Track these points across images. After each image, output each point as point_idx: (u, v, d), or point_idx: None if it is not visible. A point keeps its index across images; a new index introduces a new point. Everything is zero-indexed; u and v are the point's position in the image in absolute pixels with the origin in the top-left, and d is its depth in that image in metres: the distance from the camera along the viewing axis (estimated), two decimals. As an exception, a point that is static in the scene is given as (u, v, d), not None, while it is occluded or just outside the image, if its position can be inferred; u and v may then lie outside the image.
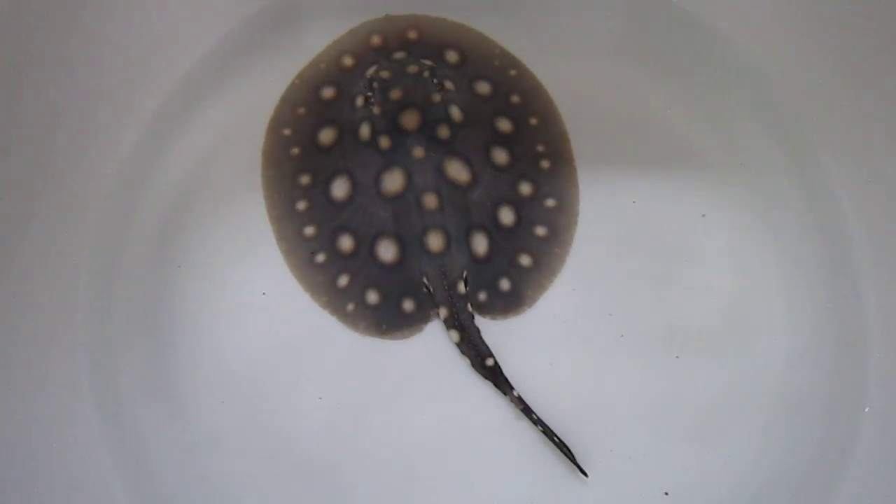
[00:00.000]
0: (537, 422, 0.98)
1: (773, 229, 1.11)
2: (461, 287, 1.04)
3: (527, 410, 0.99)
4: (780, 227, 1.11)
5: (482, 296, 1.05)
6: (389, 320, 1.05)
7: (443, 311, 1.03)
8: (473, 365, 1.02)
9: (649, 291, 1.08)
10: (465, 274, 1.05)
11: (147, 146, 1.15)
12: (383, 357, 1.05)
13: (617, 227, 1.11)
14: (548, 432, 0.98)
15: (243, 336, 1.06)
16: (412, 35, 1.18)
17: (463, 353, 1.03)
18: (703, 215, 1.12)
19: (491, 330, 1.04)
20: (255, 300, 1.08)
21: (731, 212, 1.12)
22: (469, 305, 1.04)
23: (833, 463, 1.00)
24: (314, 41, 1.19)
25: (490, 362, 1.01)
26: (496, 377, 1.01)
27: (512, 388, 1.00)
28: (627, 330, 1.06)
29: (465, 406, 1.03)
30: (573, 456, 0.97)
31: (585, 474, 0.97)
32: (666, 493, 0.99)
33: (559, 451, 0.97)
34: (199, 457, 1.01)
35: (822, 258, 1.09)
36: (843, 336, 1.06)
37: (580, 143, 1.14)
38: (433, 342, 1.05)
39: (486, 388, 1.03)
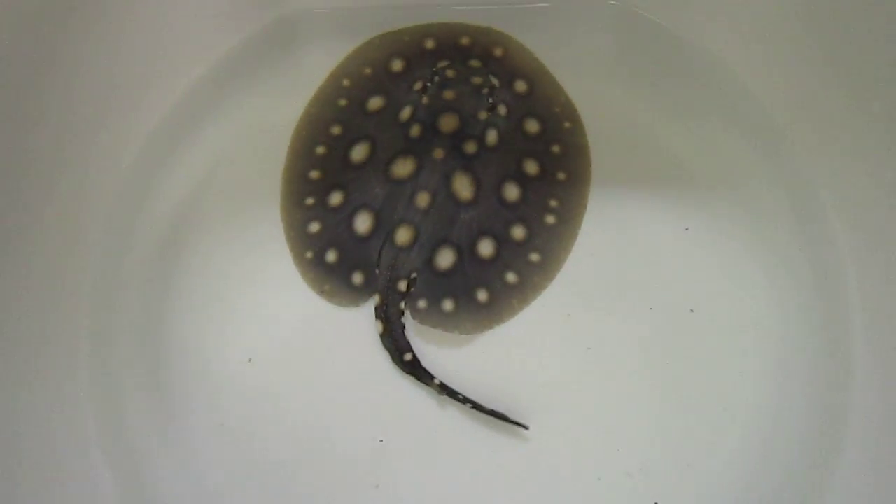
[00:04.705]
0: (464, 400, 1.01)
1: (759, 241, 1.12)
2: (402, 285, 1.07)
3: (452, 393, 1.02)
4: (766, 239, 1.13)
5: (421, 303, 1.07)
6: (334, 284, 1.10)
7: (376, 299, 1.07)
8: (393, 359, 1.06)
9: (636, 309, 1.10)
10: (412, 275, 1.08)
11: (148, 162, 1.17)
12: (387, 369, 1.07)
13: (607, 247, 1.13)
14: (477, 406, 1.01)
15: (242, 349, 1.09)
16: (498, 52, 1.21)
17: (384, 346, 1.06)
18: (686, 229, 1.13)
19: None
20: (255, 315, 1.10)
21: (716, 225, 1.14)
22: (403, 303, 1.07)
23: (818, 470, 1.01)
24: (313, 60, 1.23)
25: (408, 357, 1.04)
26: (415, 369, 1.04)
27: (432, 377, 1.03)
28: (610, 346, 1.08)
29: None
30: (507, 417, 1.01)
31: (526, 427, 1.00)
32: None
33: (494, 419, 1.01)
34: (197, 471, 1.04)
35: (808, 270, 1.11)
36: (829, 347, 1.07)
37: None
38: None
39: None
